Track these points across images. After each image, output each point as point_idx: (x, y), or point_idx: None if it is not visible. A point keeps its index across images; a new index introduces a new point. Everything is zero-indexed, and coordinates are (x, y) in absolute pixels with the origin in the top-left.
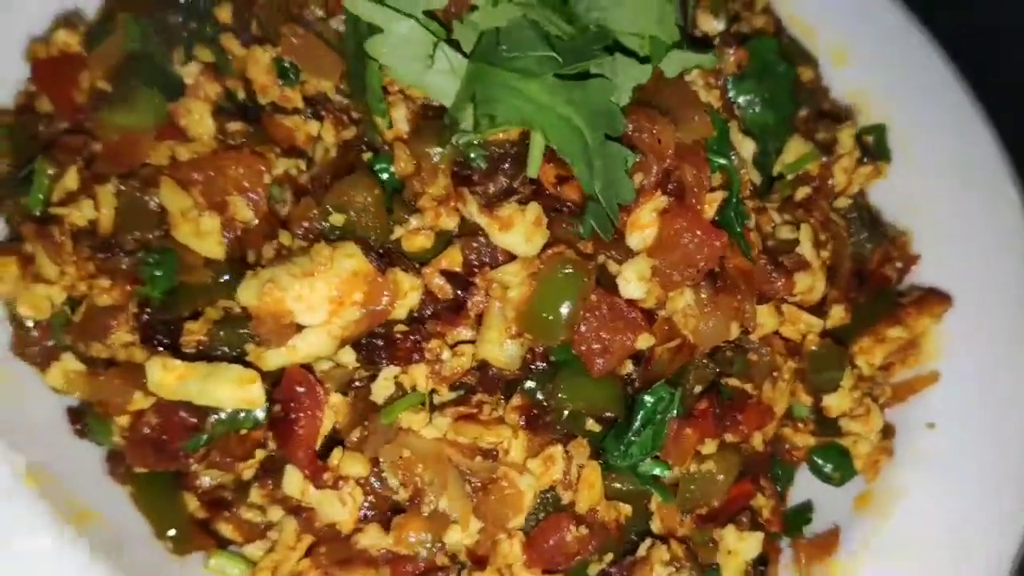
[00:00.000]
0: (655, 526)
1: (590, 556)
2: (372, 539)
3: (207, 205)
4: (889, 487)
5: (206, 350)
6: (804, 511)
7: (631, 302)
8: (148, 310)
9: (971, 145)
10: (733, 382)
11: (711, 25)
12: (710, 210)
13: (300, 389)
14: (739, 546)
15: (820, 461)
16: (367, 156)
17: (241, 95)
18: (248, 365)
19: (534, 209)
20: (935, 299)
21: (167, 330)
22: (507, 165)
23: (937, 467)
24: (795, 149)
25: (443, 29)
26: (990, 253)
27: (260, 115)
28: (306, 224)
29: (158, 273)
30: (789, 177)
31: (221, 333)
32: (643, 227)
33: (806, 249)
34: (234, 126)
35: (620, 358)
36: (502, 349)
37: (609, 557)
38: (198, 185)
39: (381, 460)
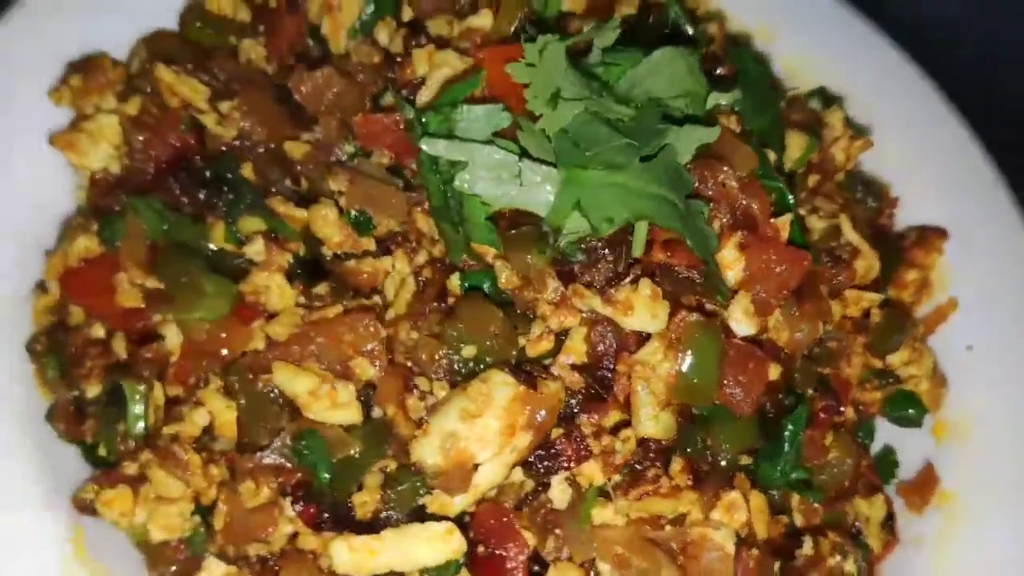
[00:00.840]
0: (798, 521)
1: None
2: None
3: (333, 375)
4: (956, 412)
5: (379, 516)
6: (889, 459)
7: (746, 339)
8: (303, 495)
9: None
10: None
11: None
12: (784, 232)
13: (493, 523)
14: (871, 512)
15: (895, 410)
16: (455, 278)
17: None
18: (428, 516)
19: (647, 285)
20: (933, 235)
21: (335, 510)
22: (605, 251)
23: (990, 381)
24: (796, 143)
25: (516, 144)
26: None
27: (323, 266)
28: (441, 363)
29: (312, 456)
30: (800, 171)
31: (393, 495)
32: (731, 266)
33: (852, 237)
34: (320, 289)
35: (759, 394)
36: (658, 423)
37: (777, 566)
38: (313, 359)
39: (598, 561)
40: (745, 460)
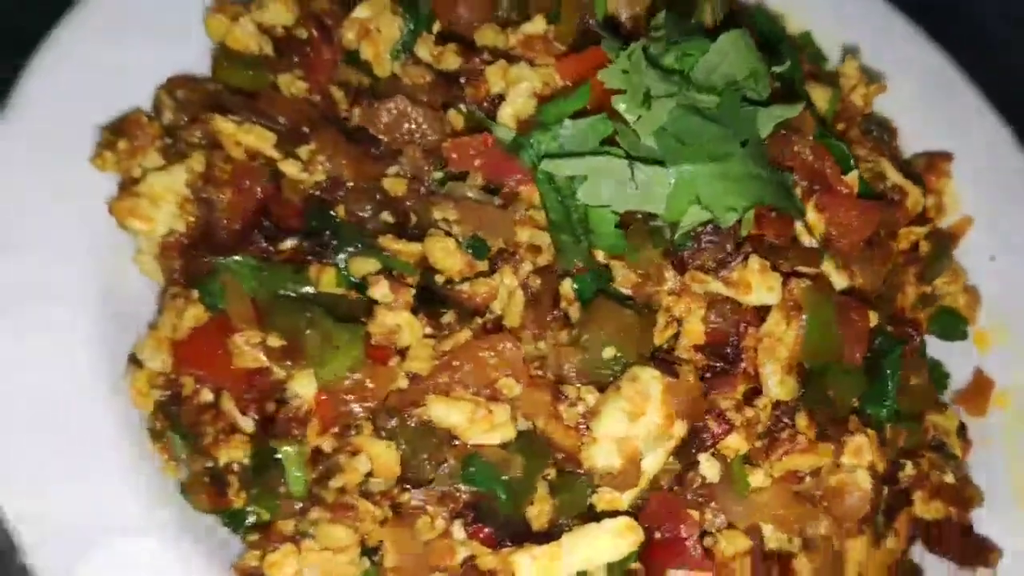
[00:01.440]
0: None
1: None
2: None
3: (484, 399)
4: (992, 318)
5: (555, 523)
6: (939, 372)
7: (844, 291)
8: (475, 518)
9: None
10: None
11: None
12: (855, 187)
13: (663, 508)
14: (947, 423)
15: (940, 327)
16: (567, 284)
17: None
18: (599, 515)
19: (756, 261)
20: (939, 159)
21: (510, 526)
22: (713, 236)
23: (1018, 284)
24: (821, 96)
25: (620, 149)
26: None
27: (437, 293)
28: (580, 369)
29: (485, 479)
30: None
31: (565, 500)
32: (815, 227)
33: (897, 179)
34: (447, 317)
35: (866, 342)
36: (785, 386)
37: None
38: (460, 387)
39: (763, 527)
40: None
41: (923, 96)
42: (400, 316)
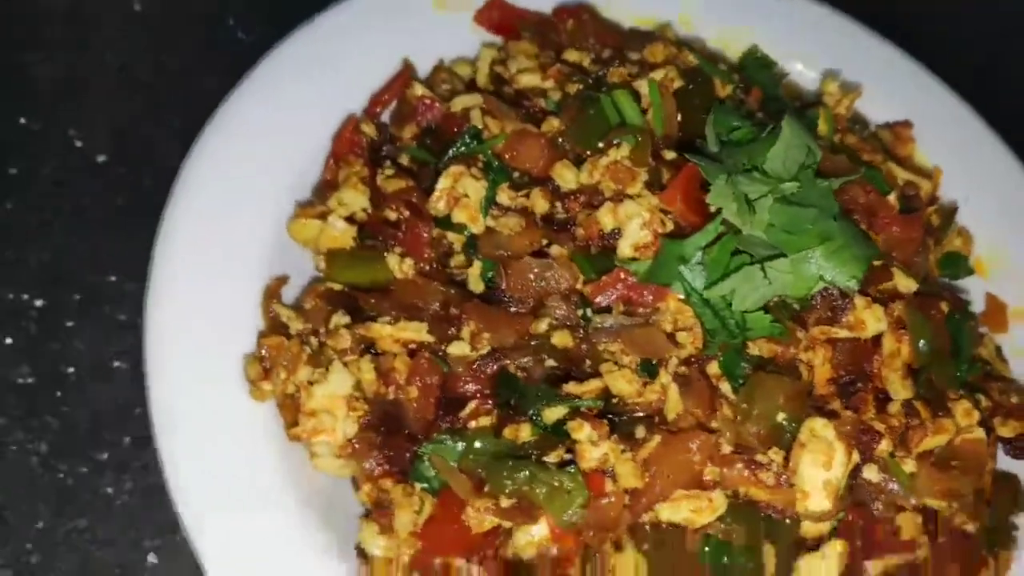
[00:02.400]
0: None
1: None
2: None
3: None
4: (985, 248)
5: None
6: None
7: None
8: None
9: None
10: None
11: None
12: (896, 205)
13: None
14: (989, 350)
15: (949, 268)
16: (714, 366)
17: None
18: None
19: (860, 300)
20: (902, 127)
21: None
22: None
23: (996, 212)
24: (821, 116)
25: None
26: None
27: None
28: (760, 436)
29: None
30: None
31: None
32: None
33: (906, 175)
34: (640, 432)
35: (945, 329)
36: (906, 388)
37: None
38: (672, 486)
39: (928, 501)
40: None
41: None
42: (604, 446)
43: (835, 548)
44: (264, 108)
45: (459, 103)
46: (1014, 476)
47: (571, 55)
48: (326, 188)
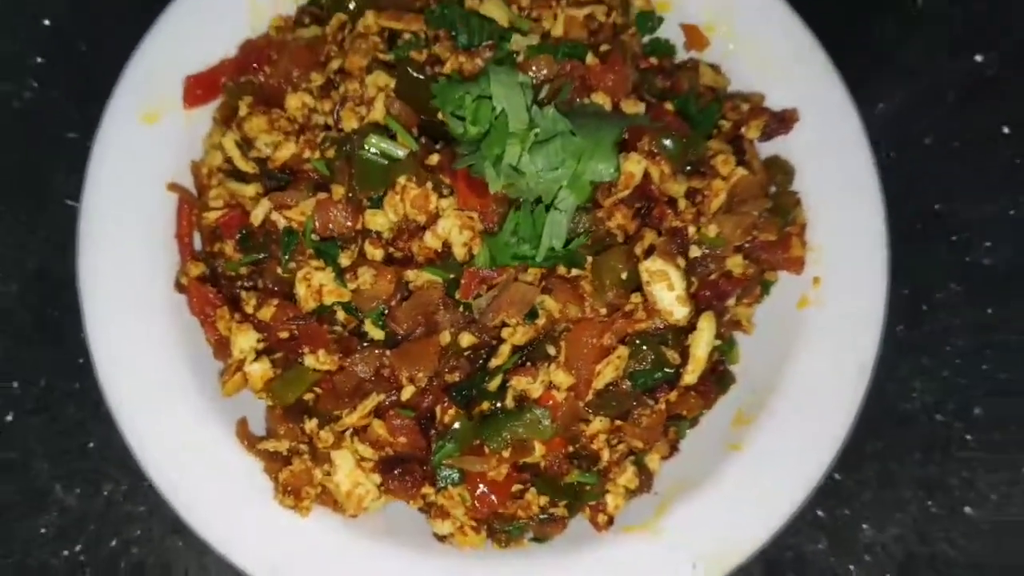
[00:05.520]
0: None
1: None
2: None
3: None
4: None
5: None
6: None
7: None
8: None
9: None
10: None
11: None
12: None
13: None
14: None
15: (645, 26)
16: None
17: None
18: None
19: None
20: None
21: None
22: None
23: None
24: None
25: None
26: None
27: None
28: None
29: None
30: None
31: None
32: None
33: None
34: None
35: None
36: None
37: None
38: None
39: None
40: None
41: None
42: (537, 377)
43: (707, 321)
44: None
45: (256, 217)
46: (775, 157)
47: (292, 102)
48: (218, 347)
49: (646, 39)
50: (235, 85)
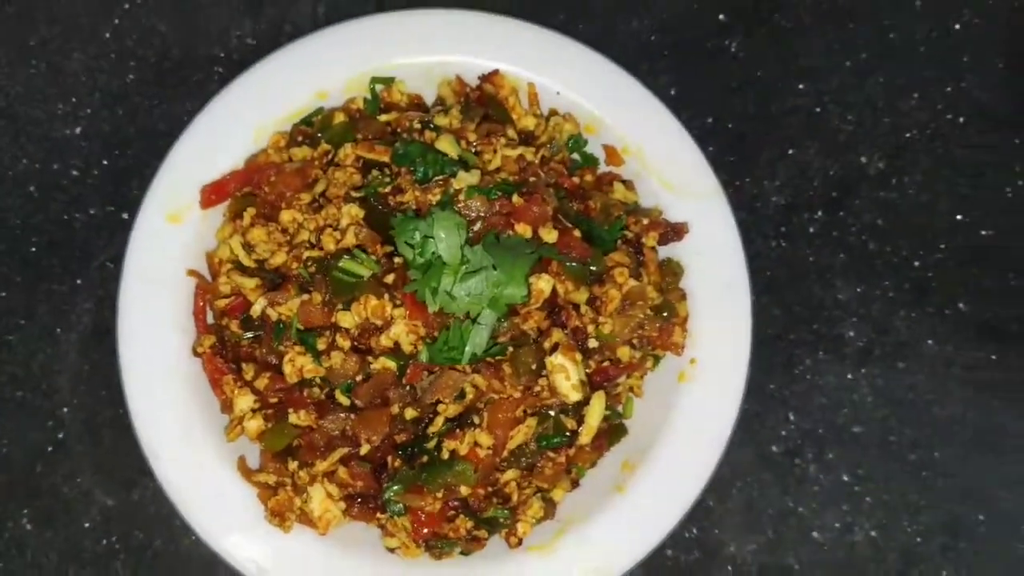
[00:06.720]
0: None
1: None
2: None
3: (522, 419)
4: (587, 120)
5: None
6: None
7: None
8: None
9: None
10: None
11: None
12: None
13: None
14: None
15: (576, 147)
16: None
17: None
18: None
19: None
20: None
21: None
22: None
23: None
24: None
25: None
26: None
27: None
28: (530, 381)
29: None
30: None
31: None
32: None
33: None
34: None
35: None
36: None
37: None
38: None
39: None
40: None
41: None
42: (465, 438)
43: (598, 399)
44: None
45: (255, 310)
46: (669, 259)
47: (285, 216)
48: (225, 404)
49: (575, 155)
50: (242, 196)
